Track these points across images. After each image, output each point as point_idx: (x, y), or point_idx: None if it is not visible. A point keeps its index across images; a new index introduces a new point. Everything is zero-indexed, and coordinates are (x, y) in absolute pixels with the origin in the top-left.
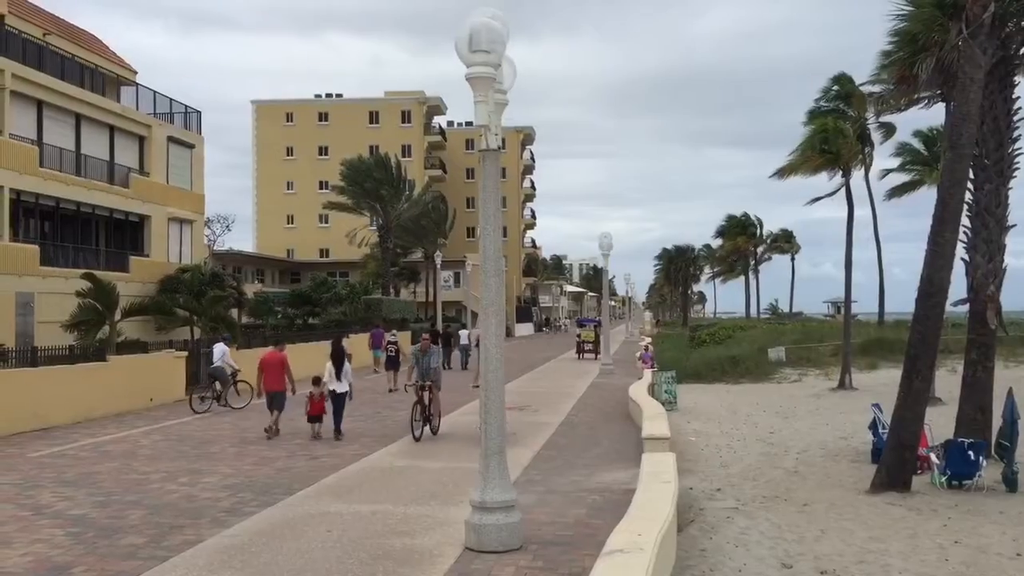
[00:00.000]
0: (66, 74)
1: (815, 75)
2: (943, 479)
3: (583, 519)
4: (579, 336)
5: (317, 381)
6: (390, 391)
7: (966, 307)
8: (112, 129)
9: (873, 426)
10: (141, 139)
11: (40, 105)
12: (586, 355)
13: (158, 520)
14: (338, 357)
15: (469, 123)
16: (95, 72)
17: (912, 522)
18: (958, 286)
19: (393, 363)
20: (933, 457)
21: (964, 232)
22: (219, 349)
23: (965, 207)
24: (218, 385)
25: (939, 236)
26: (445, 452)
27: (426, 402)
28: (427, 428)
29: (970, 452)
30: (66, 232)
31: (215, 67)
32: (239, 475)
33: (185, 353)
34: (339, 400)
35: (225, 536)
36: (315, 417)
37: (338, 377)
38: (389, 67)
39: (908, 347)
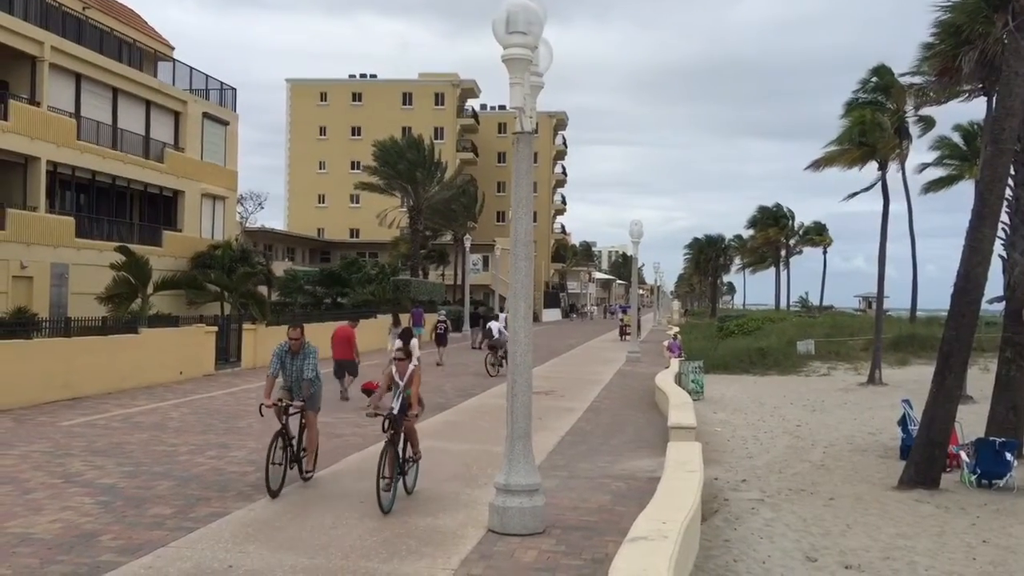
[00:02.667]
0: (104, 48)
1: (851, 67)
2: (973, 478)
3: (607, 505)
4: (622, 320)
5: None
6: (437, 364)
7: (1002, 305)
8: (148, 104)
9: (903, 422)
10: (176, 115)
11: (78, 78)
12: (627, 337)
13: (185, 492)
14: (405, 333)
15: (502, 107)
16: (133, 47)
17: (940, 520)
18: (995, 283)
19: (442, 340)
20: (963, 455)
21: (1003, 229)
22: (495, 324)
23: (1004, 204)
24: (500, 352)
25: (977, 232)
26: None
27: (291, 432)
28: (296, 472)
29: (1001, 451)
30: (101, 205)
31: (247, 45)
32: (266, 450)
33: (215, 328)
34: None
35: (251, 510)
36: (367, 391)
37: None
38: (418, 49)
39: (942, 344)
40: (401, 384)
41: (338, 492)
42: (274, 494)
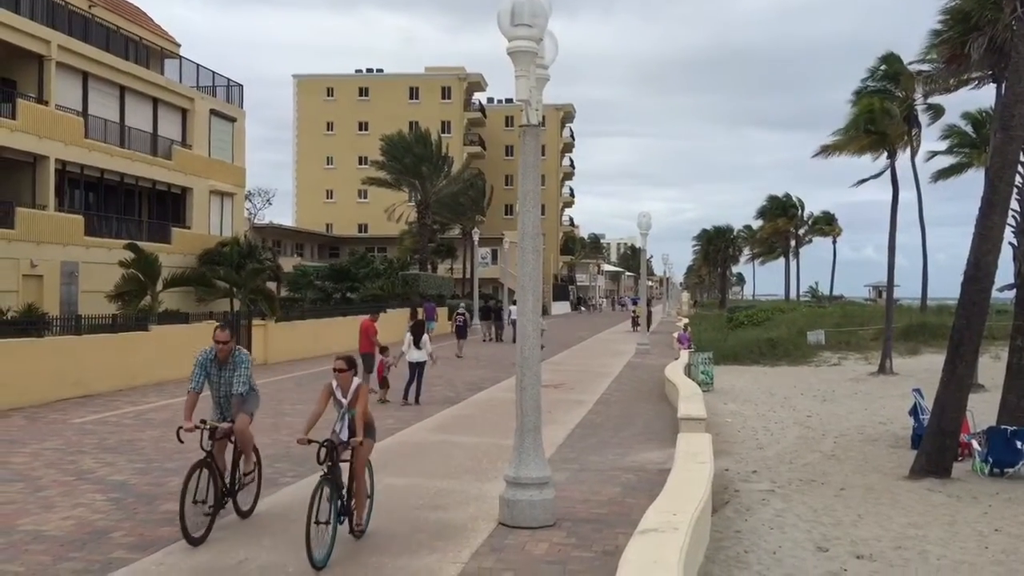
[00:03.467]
0: (111, 46)
1: (859, 55)
2: (984, 466)
3: (617, 498)
4: (634, 312)
5: (384, 350)
6: (458, 356)
7: (1012, 293)
8: (156, 101)
9: (914, 411)
10: (184, 112)
11: (86, 77)
12: (638, 328)
13: None
14: (417, 328)
15: (509, 100)
16: (139, 44)
17: (952, 509)
18: (1005, 271)
19: (461, 332)
20: (975, 444)
21: (1013, 216)
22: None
23: (1015, 191)
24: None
25: (987, 219)
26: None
27: (222, 463)
28: (230, 507)
29: (1013, 440)
30: (110, 203)
31: (252, 42)
32: (276, 446)
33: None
34: (417, 369)
35: (263, 505)
36: (382, 381)
37: (416, 346)
38: (423, 44)
39: (952, 332)
40: (344, 402)
41: None
42: (196, 541)
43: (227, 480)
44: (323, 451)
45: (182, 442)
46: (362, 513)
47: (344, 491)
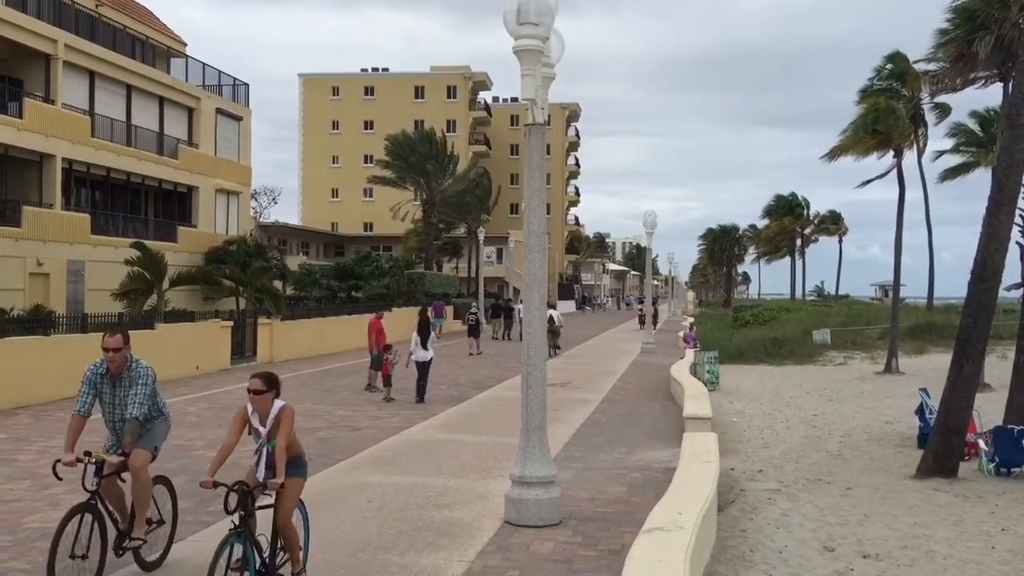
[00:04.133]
0: (117, 45)
1: (866, 54)
2: (991, 466)
3: (622, 496)
4: (640, 311)
5: (387, 348)
6: (470, 355)
7: (1020, 292)
8: (162, 100)
9: (920, 411)
10: (190, 111)
11: (92, 76)
12: (644, 327)
13: None
14: (424, 327)
15: (514, 99)
16: (146, 43)
17: (958, 508)
18: (1012, 270)
19: (474, 331)
20: (981, 443)
21: (1020, 215)
22: (554, 312)
23: (1022, 189)
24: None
25: (994, 218)
26: None
27: (116, 503)
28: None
29: (1019, 440)
30: (116, 202)
31: (256, 40)
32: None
33: (231, 323)
34: (423, 368)
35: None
36: (386, 379)
37: (423, 346)
38: (428, 43)
39: (959, 331)
40: (263, 431)
41: (355, 485)
42: None
43: (123, 524)
44: (233, 497)
45: (60, 479)
46: (297, 568)
47: (266, 546)
